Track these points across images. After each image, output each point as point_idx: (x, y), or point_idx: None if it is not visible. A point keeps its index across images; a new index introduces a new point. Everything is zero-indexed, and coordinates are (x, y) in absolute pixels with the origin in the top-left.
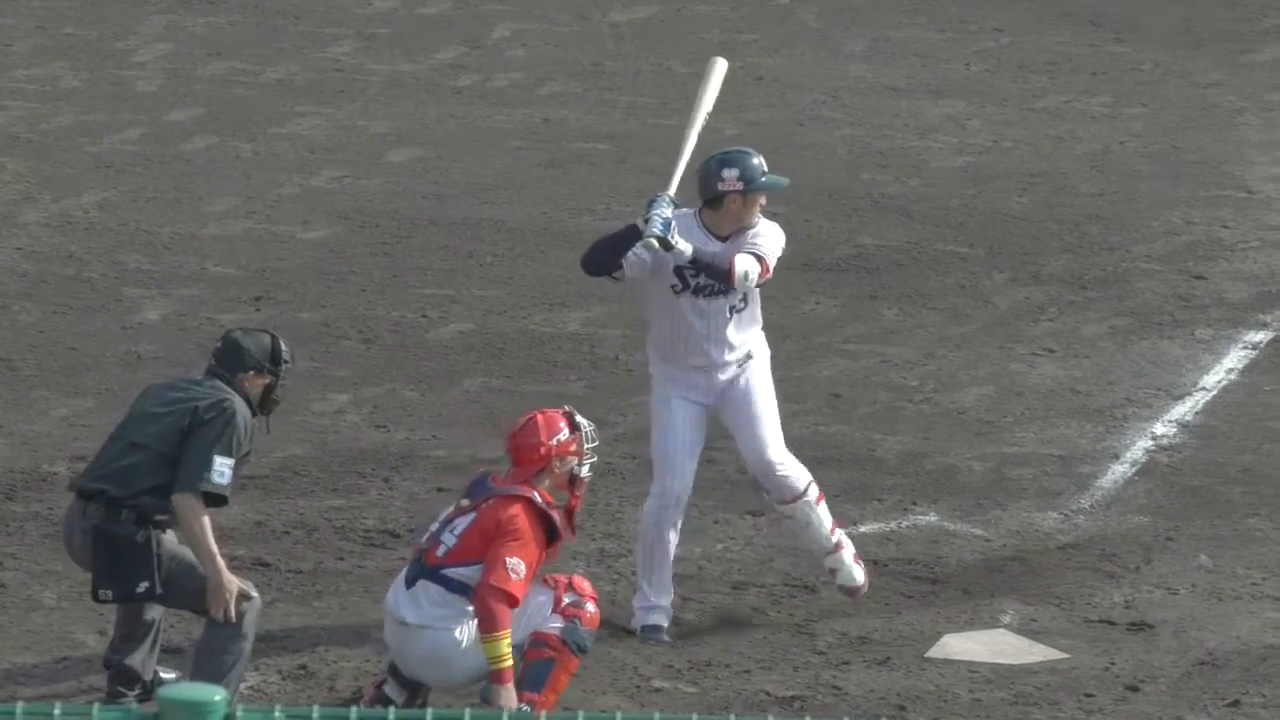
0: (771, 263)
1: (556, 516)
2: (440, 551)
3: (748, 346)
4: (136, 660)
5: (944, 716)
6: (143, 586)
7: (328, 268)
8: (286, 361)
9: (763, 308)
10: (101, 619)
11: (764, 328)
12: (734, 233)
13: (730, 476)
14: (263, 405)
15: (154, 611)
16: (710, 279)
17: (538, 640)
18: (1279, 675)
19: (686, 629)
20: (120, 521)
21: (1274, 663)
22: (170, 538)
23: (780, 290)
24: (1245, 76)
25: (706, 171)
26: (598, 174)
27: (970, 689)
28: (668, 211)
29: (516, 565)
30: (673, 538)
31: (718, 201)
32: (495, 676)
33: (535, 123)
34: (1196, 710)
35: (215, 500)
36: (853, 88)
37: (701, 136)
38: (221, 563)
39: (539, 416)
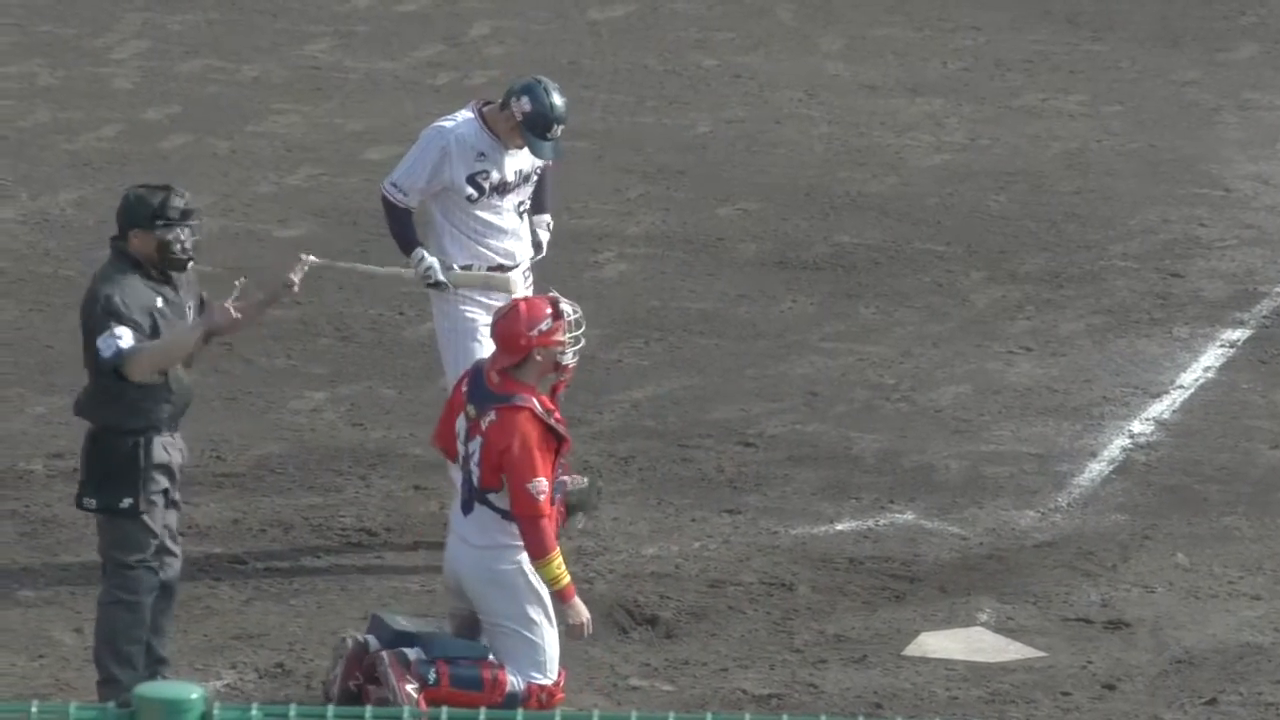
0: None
1: (556, 424)
2: (474, 479)
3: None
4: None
5: (920, 715)
6: (126, 502)
7: None
8: (170, 219)
9: (738, 306)
10: (78, 617)
11: (738, 326)
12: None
13: (707, 474)
14: (164, 263)
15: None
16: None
17: (493, 666)
18: (1255, 673)
19: (664, 627)
20: (118, 432)
21: (1250, 661)
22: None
23: (756, 288)
24: (1223, 75)
25: (516, 85)
26: (575, 172)
27: (947, 687)
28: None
29: (536, 485)
30: None
31: (506, 106)
32: (559, 596)
33: None
34: (1173, 708)
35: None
36: (830, 86)
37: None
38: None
39: (522, 304)
